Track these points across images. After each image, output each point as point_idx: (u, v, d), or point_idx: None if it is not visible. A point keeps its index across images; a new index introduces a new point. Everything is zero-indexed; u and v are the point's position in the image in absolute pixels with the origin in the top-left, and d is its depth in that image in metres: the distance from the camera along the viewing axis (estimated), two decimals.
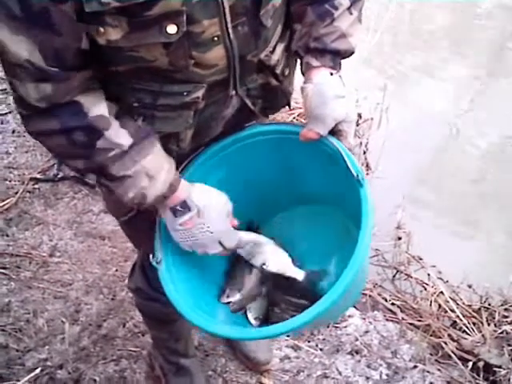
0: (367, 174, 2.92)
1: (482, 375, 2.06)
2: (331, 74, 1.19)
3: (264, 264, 1.38)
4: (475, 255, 2.62)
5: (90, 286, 2.41)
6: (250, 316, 1.37)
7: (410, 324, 2.27)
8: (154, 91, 1.12)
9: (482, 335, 2.16)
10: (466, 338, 2.17)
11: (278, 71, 1.25)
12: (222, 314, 1.36)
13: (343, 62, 1.23)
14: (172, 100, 1.13)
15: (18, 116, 1.11)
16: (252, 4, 1.08)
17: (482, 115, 3.42)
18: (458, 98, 3.57)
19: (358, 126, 3.11)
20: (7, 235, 2.63)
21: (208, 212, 1.18)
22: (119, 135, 1.07)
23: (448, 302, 2.31)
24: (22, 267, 2.48)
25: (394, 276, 2.53)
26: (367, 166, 3.01)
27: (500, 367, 2.05)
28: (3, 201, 2.76)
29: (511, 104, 3.50)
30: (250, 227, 1.46)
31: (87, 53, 1.01)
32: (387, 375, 2.08)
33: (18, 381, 1.99)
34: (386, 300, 2.38)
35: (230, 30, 1.07)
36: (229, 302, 1.40)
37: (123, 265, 2.47)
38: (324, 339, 2.21)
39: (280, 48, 1.24)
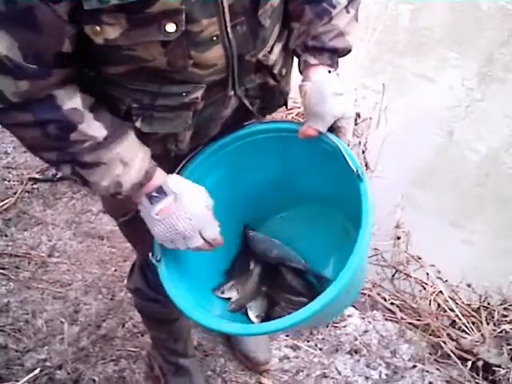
0: (366, 173, 2.92)
1: (481, 374, 2.06)
2: (329, 71, 1.20)
3: (275, 256, 1.41)
4: (474, 254, 2.62)
5: (89, 286, 2.41)
6: (252, 314, 1.37)
7: (409, 323, 2.27)
8: (152, 92, 1.11)
9: (482, 334, 2.16)
10: (465, 338, 2.17)
11: (276, 71, 1.26)
12: (221, 312, 1.36)
13: (342, 61, 1.24)
14: (171, 101, 1.13)
15: None
16: (250, 4, 1.09)
17: (481, 115, 3.43)
18: (457, 97, 3.58)
19: (356, 125, 3.11)
20: (6, 235, 2.62)
21: (185, 198, 1.14)
22: (93, 127, 1.06)
23: (447, 301, 2.31)
24: (20, 267, 2.48)
25: (393, 275, 2.53)
26: (366, 165, 3.01)
27: (499, 366, 2.05)
28: (2, 201, 2.76)
29: (510, 103, 3.50)
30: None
31: (69, 55, 1.00)
32: (386, 375, 2.08)
33: (18, 381, 1.99)
34: (385, 299, 2.38)
35: (229, 30, 1.07)
36: (228, 298, 1.40)
37: (122, 265, 2.47)
38: (323, 339, 2.21)
39: (278, 48, 1.24)
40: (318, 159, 1.29)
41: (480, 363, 2.07)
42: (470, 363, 2.08)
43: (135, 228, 1.39)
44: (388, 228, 2.65)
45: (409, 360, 2.12)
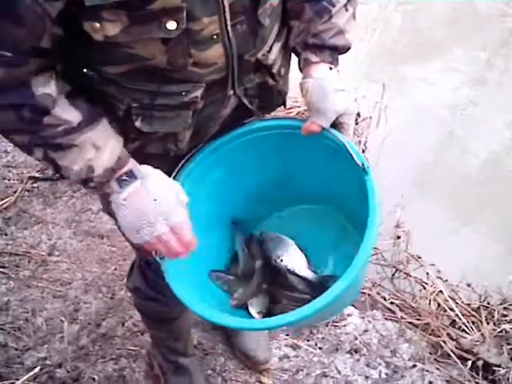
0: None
1: (481, 374, 2.06)
2: (330, 68, 1.21)
3: (279, 258, 1.39)
4: (474, 254, 2.62)
5: (89, 284, 2.41)
6: (253, 310, 1.37)
7: (409, 323, 2.27)
8: (152, 91, 1.11)
9: (481, 334, 2.16)
10: (465, 337, 2.17)
11: (275, 70, 1.26)
12: (224, 309, 1.36)
13: (342, 61, 1.25)
14: (170, 100, 1.13)
15: None
16: (250, 3, 1.09)
17: (481, 113, 3.43)
18: (458, 97, 3.57)
19: (356, 124, 3.11)
20: (6, 234, 2.62)
21: (153, 180, 1.10)
22: (67, 111, 1.05)
23: (447, 300, 2.31)
24: (20, 266, 2.48)
25: (393, 275, 2.53)
26: None
27: (499, 366, 2.05)
28: (2, 200, 2.76)
29: (511, 102, 3.50)
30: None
31: (47, 50, 1.00)
32: (386, 374, 2.08)
33: (18, 380, 1.99)
34: (385, 299, 2.38)
35: (229, 29, 1.07)
36: (227, 290, 1.41)
37: (122, 263, 2.47)
38: (323, 338, 2.21)
39: (277, 47, 1.25)
40: (319, 156, 1.29)
41: (480, 363, 2.07)
42: (469, 363, 2.08)
43: None
44: (388, 227, 2.65)
45: (409, 359, 2.13)
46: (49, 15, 0.93)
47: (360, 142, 3.10)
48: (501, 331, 2.16)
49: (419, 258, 2.55)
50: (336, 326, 2.24)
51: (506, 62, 3.92)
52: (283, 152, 1.36)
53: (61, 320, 2.26)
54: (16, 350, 2.16)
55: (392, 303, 2.36)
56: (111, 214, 1.18)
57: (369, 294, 2.38)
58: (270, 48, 1.22)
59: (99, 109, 1.11)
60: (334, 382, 2.06)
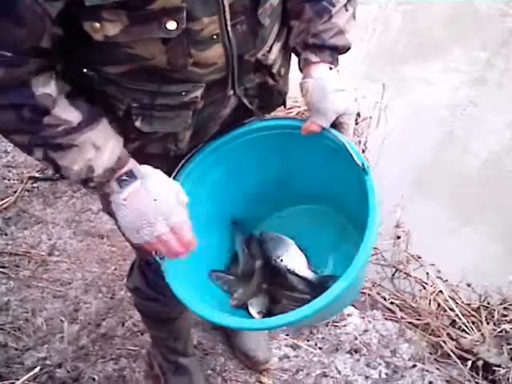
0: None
1: (481, 374, 2.06)
2: (330, 68, 1.21)
3: (279, 258, 1.39)
4: (474, 254, 2.62)
5: (89, 284, 2.41)
6: (253, 310, 1.37)
7: (409, 323, 2.26)
8: (152, 91, 1.11)
9: (481, 334, 2.16)
10: (465, 337, 2.17)
11: (275, 70, 1.26)
12: (223, 309, 1.36)
13: (342, 61, 1.25)
14: (170, 100, 1.13)
15: None
16: (250, 3, 1.09)
17: (481, 113, 3.43)
18: (458, 96, 3.57)
19: (356, 124, 3.11)
20: (6, 234, 2.62)
21: (153, 180, 1.10)
22: (67, 112, 1.05)
23: (447, 300, 2.31)
24: (20, 266, 2.48)
25: (393, 275, 2.53)
26: None
27: (499, 366, 2.05)
28: (2, 200, 2.76)
29: (511, 102, 3.50)
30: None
31: (47, 50, 1.00)
32: (386, 374, 2.08)
33: (18, 380, 1.99)
34: (385, 299, 2.38)
35: (229, 29, 1.07)
36: (226, 290, 1.41)
37: (122, 263, 2.47)
38: (323, 338, 2.21)
39: (277, 47, 1.25)
40: (319, 156, 1.30)
41: (480, 363, 2.07)
42: (469, 363, 2.08)
43: None
44: (388, 227, 2.65)
45: (409, 359, 2.13)
46: (49, 15, 0.93)
47: (360, 141, 3.10)
48: (501, 331, 2.16)
49: (419, 257, 2.55)
50: (336, 325, 2.24)
51: (506, 62, 3.92)
52: (283, 152, 1.36)
53: (61, 320, 2.26)
54: (16, 349, 2.16)
55: (392, 303, 2.36)
56: (111, 214, 1.18)
57: (369, 294, 2.38)
58: (270, 48, 1.22)
59: (99, 109, 1.11)
60: (334, 382, 2.06)
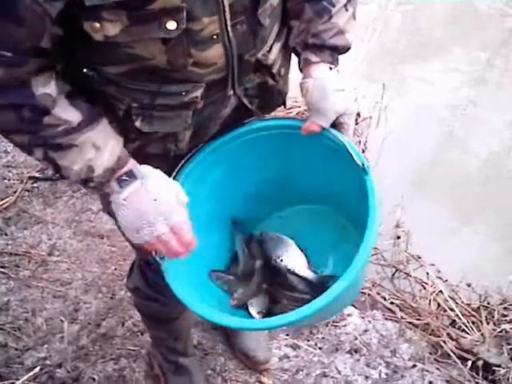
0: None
1: (481, 374, 2.06)
2: (330, 68, 1.21)
3: (279, 258, 1.39)
4: (474, 254, 2.62)
5: (89, 284, 2.41)
6: (253, 310, 1.36)
7: (409, 323, 2.26)
8: (152, 91, 1.11)
9: (481, 334, 2.16)
10: (465, 337, 2.17)
11: (275, 70, 1.26)
12: (223, 309, 1.36)
13: (342, 61, 1.25)
14: (170, 100, 1.13)
15: None
16: (250, 3, 1.09)
17: (481, 113, 3.43)
18: (458, 96, 3.57)
19: (356, 124, 3.11)
20: (6, 234, 2.62)
21: (154, 180, 1.10)
22: (67, 111, 1.05)
23: (447, 300, 2.31)
24: (20, 266, 2.48)
25: (393, 275, 2.53)
26: None
27: (499, 366, 2.05)
28: (2, 200, 2.76)
29: (511, 102, 3.51)
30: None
31: (47, 50, 0.99)
32: (386, 374, 2.08)
33: (18, 380, 1.99)
34: (385, 299, 2.38)
35: (229, 29, 1.07)
36: (227, 290, 1.40)
37: (122, 263, 2.47)
38: (323, 338, 2.21)
39: (276, 47, 1.25)
40: (319, 156, 1.30)
41: (480, 363, 2.07)
42: (469, 363, 2.08)
43: None
44: (388, 227, 2.65)
45: (409, 359, 2.13)
46: (49, 15, 0.93)
47: (360, 141, 3.10)
48: (501, 331, 2.16)
49: (419, 257, 2.55)
50: (336, 326, 2.24)
51: (506, 62, 3.92)
52: (283, 152, 1.36)
53: (61, 320, 2.26)
54: (16, 350, 2.16)
55: (392, 303, 2.36)
56: (111, 214, 1.18)
57: (369, 294, 2.38)
58: (270, 48, 1.22)
59: (99, 109, 1.11)
60: (334, 382, 2.06)
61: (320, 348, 2.17)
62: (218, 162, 1.33)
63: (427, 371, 2.08)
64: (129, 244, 1.61)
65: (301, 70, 1.25)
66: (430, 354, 2.15)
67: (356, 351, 2.16)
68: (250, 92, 1.25)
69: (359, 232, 1.14)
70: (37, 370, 2.04)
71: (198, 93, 1.13)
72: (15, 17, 0.93)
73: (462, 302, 2.32)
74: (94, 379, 2.07)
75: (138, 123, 1.15)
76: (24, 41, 0.96)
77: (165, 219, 1.07)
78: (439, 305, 2.33)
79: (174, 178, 1.23)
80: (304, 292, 1.36)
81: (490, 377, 2.06)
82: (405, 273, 2.51)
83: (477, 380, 2.05)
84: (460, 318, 2.24)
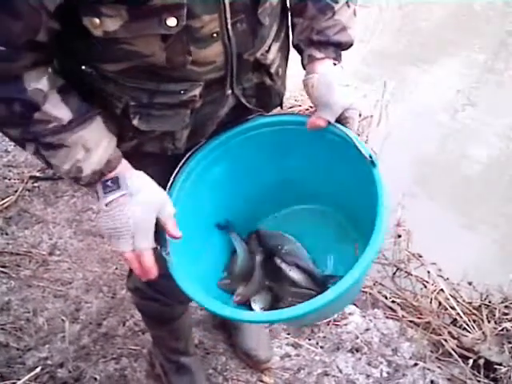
0: None
1: (482, 372, 2.05)
2: (334, 64, 1.22)
3: (281, 252, 1.39)
4: (475, 253, 2.62)
5: (90, 284, 2.41)
6: (256, 307, 1.36)
7: (411, 321, 2.26)
8: (150, 90, 1.11)
9: (483, 332, 2.15)
10: (466, 336, 2.17)
11: (273, 70, 1.26)
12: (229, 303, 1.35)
13: (343, 60, 1.26)
14: (169, 98, 1.13)
15: None
16: (251, 1, 1.09)
17: (482, 112, 3.43)
18: (457, 96, 3.57)
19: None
20: (7, 234, 2.63)
21: (136, 196, 1.09)
22: (58, 108, 1.04)
23: (448, 299, 2.31)
24: (21, 266, 2.48)
25: (394, 274, 2.53)
26: None
27: (500, 364, 2.04)
28: (3, 199, 2.76)
29: (511, 102, 3.51)
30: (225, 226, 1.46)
31: (43, 43, 0.99)
32: (388, 373, 2.08)
33: (19, 380, 1.99)
34: (386, 298, 2.38)
35: (229, 27, 1.07)
36: (233, 291, 1.40)
37: (123, 263, 2.46)
38: (324, 337, 2.20)
39: (275, 47, 1.25)
40: (322, 153, 1.30)
41: (481, 361, 2.07)
42: (471, 361, 2.08)
43: None
44: (389, 226, 2.65)
45: (410, 358, 2.12)
46: (45, 8, 0.93)
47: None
48: (502, 329, 2.16)
49: (420, 256, 2.55)
50: (337, 324, 2.24)
51: (505, 63, 3.92)
52: (284, 150, 1.35)
53: (62, 320, 2.26)
54: (17, 349, 2.16)
55: (393, 302, 2.36)
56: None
57: (370, 293, 2.38)
58: (269, 48, 1.22)
59: (94, 106, 1.11)
60: (336, 381, 2.06)
61: (321, 347, 2.17)
62: (219, 160, 1.33)
63: (428, 370, 2.08)
64: None
65: (304, 67, 1.26)
66: (432, 352, 2.15)
67: (357, 350, 2.15)
68: (247, 92, 1.25)
69: (359, 232, 1.14)
70: (38, 369, 2.04)
71: (197, 91, 1.13)
72: (11, 10, 0.92)
73: (463, 301, 2.32)
74: (95, 379, 2.07)
75: (135, 121, 1.15)
76: (19, 34, 0.95)
77: (132, 241, 1.09)
78: (440, 303, 2.32)
79: (174, 178, 1.23)
80: (308, 288, 1.35)
81: (492, 375, 2.05)
82: (406, 271, 2.51)
83: (478, 378, 2.05)
84: (461, 317, 2.24)
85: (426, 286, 2.42)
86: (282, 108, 1.43)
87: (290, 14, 1.28)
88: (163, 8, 0.96)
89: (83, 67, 1.10)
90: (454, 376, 2.06)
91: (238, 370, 2.11)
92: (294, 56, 1.33)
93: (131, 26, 0.98)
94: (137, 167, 1.16)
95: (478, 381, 2.04)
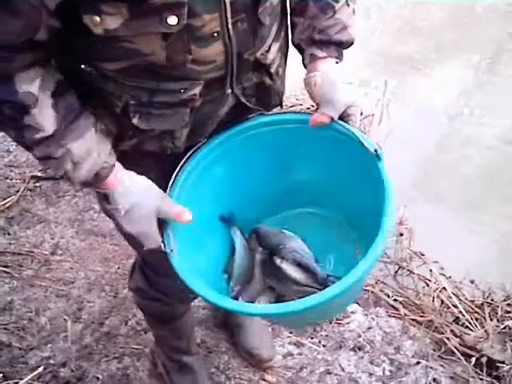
0: None
1: (485, 370, 2.05)
2: (336, 63, 1.23)
3: (283, 250, 1.37)
4: (477, 251, 2.62)
5: (92, 283, 2.41)
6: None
7: (413, 320, 2.26)
8: (150, 88, 1.11)
9: (485, 331, 2.15)
10: (468, 334, 2.17)
11: (273, 70, 1.27)
12: None
13: (344, 59, 1.26)
14: (169, 97, 1.13)
15: None
16: (251, 1, 1.09)
17: (482, 111, 3.42)
18: (459, 94, 3.57)
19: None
20: (9, 234, 2.63)
21: (130, 213, 1.14)
22: (44, 116, 1.04)
23: (450, 297, 2.31)
24: (23, 266, 2.48)
25: (396, 272, 2.53)
26: None
27: (503, 362, 2.04)
28: (4, 199, 2.77)
29: (511, 99, 3.50)
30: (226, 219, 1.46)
31: (41, 43, 0.98)
32: (390, 371, 2.08)
33: (22, 379, 2.00)
34: (388, 296, 2.37)
35: (230, 26, 1.07)
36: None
37: (125, 262, 2.47)
38: (327, 336, 2.20)
39: (275, 47, 1.25)
40: (323, 151, 1.29)
41: (484, 359, 2.06)
42: (473, 359, 2.07)
43: None
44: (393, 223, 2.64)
45: (412, 356, 2.12)
46: (46, 7, 0.93)
47: None
48: (504, 327, 2.16)
49: (422, 255, 2.55)
50: (339, 323, 2.24)
51: (505, 64, 3.91)
52: (285, 149, 1.35)
53: (64, 319, 2.27)
54: (20, 349, 2.17)
55: (395, 300, 2.36)
56: (108, 215, 1.20)
57: (372, 292, 2.38)
58: (269, 47, 1.22)
59: (91, 109, 1.11)
60: (338, 380, 2.06)
61: (324, 345, 2.17)
62: (219, 160, 1.33)
63: (431, 368, 2.08)
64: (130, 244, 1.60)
65: (305, 66, 1.26)
66: (434, 350, 2.15)
67: (360, 348, 2.15)
68: (247, 91, 1.25)
69: (359, 232, 1.14)
70: (41, 369, 2.04)
71: (197, 90, 1.13)
72: (12, 8, 0.91)
73: (466, 299, 2.32)
74: (97, 378, 2.07)
75: (135, 120, 1.15)
76: (18, 34, 0.95)
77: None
78: (443, 302, 2.32)
79: (175, 177, 1.24)
80: (310, 286, 1.34)
81: (494, 373, 2.05)
82: (408, 270, 2.51)
83: (481, 376, 2.04)
84: (463, 315, 2.24)
85: (428, 285, 2.42)
86: (281, 107, 1.43)
87: (289, 13, 1.28)
88: (164, 6, 0.96)
89: (83, 66, 1.09)
90: (457, 374, 2.06)
91: (241, 369, 2.11)
92: (294, 55, 1.33)
93: (132, 24, 0.97)
94: (137, 167, 1.16)
95: (481, 379, 2.04)
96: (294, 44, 1.29)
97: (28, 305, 2.33)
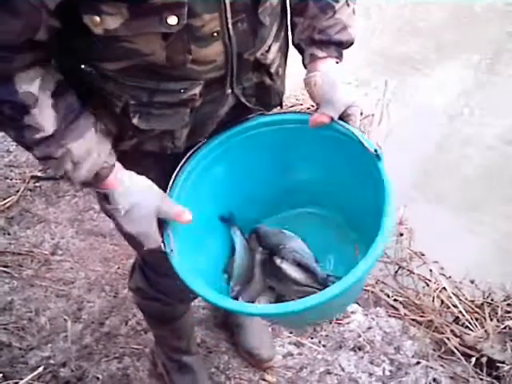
0: None
1: (485, 370, 2.05)
2: (336, 63, 1.23)
3: (283, 250, 1.37)
4: (477, 251, 2.62)
5: (92, 283, 2.41)
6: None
7: (413, 320, 2.26)
8: (150, 88, 1.11)
9: (485, 331, 2.15)
10: (468, 334, 2.17)
11: (273, 70, 1.27)
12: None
13: (344, 59, 1.26)
14: (169, 97, 1.13)
15: None
16: (251, 1, 1.09)
17: (482, 111, 3.42)
18: (459, 94, 3.57)
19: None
20: (9, 234, 2.63)
21: (130, 213, 1.14)
22: (44, 116, 1.04)
23: (450, 297, 2.31)
24: (23, 265, 2.48)
25: (396, 272, 2.53)
26: None
27: (503, 362, 2.04)
28: (4, 199, 2.77)
29: (511, 99, 3.50)
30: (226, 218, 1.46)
31: (41, 43, 0.98)
32: (390, 371, 2.08)
33: (22, 379, 2.00)
34: (388, 296, 2.37)
35: (230, 27, 1.07)
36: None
37: (125, 262, 2.47)
38: (327, 336, 2.20)
39: (275, 47, 1.25)
40: (322, 151, 1.29)
41: (484, 359, 2.07)
42: (473, 359, 2.07)
43: None
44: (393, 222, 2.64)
45: (412, 356, 2.12)
46: (46, 7, 0.92)
47: None
48: (504, 327, 2.16)
49: (422, 255, 2.55)
50: (339, 323, 2.24)
51: (505, 64, 3.91)
52: (285, 149, 1.35)
53: (64, 319, 2.27)
54: (20, 349, 2.17)
55: (395, 300, 2.36)
56: (108, 215, 1.20)
57: (372, 292, 2.38)
58: (269, 48, 1.22)
59: (91, 110, 1.11)
60: (338, 380, 2.06)
61: (324, 345, 2.17)
62: (219, 160, 1.33)
63: (431, 368, 2.08)
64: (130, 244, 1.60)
65: (305, 66, 1.27)
66: (434, 350, 2.15)
67: (360, 348, 2.15)
68: (247, 91, 1.25)
69: (359, 233, 1.14)
70: (41, 369, 2.04)
71: (197, 90, 1.13)
72: (12, 8, 0.91)
73: (466, 299, 2.32)
74: (97, 378, 2.07)
75: (135, 120, 1.15)
76: (20, 33, 0.95)
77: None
78: (443, 301, 2.32)
79: (175, 177, 1.24)
80: (310, 286, 1.34)
81: (494, 373, 2.05)
82: (408, 270, 2.51)
83: (481, 376, 2.04)
84: (463, 315, 2.24)
85: (428, 285, 2.42)
86: (281, 107, 1.43)
87: (289, 13, 1.28)
88: (164, 6, 0.96)
89: (83, 66, 1.09)
90: (457, 374, 2.06)
91: (241, 369, 2.11)
92: (294, 55, 1.33)
93: (132, 24, 0.97)
94: (137, 167, 1.16)
95: (481, 379, 2.04)
96: (293, 44, 1.29)
97: (28, 305, 2.33)
